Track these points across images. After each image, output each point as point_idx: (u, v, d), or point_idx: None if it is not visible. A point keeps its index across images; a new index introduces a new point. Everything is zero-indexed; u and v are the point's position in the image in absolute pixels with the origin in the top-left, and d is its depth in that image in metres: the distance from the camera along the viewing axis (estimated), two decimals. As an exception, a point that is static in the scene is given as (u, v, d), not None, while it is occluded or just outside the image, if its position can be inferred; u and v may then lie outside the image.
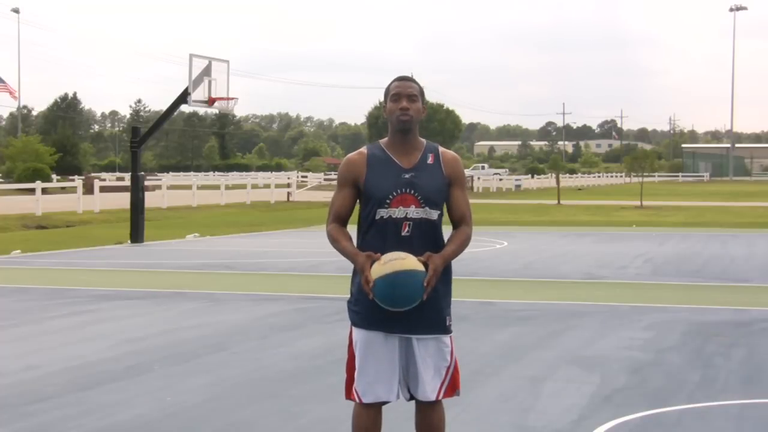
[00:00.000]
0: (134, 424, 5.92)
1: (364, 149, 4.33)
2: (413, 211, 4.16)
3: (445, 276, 4.23)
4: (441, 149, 4.31)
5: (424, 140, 4.31)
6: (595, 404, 6.37)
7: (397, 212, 4.16)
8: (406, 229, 4.15)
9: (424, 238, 4.16)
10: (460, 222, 4.29)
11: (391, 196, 4.17)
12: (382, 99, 4.36)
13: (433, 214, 4.19)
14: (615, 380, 7.09)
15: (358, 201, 4.30)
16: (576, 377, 7.23)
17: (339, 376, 7.01)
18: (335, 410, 6.06)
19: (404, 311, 4.11)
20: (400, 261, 4.02)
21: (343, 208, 4.27)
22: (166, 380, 7.12)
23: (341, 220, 4.28)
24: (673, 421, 6.02)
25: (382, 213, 4.17)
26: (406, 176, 4.19)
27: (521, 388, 6.85)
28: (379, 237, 4.15)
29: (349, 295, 4.34)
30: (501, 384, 6.98)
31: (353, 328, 4.28)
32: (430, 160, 4.25)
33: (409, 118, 4.20)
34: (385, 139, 4.31)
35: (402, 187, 4.18)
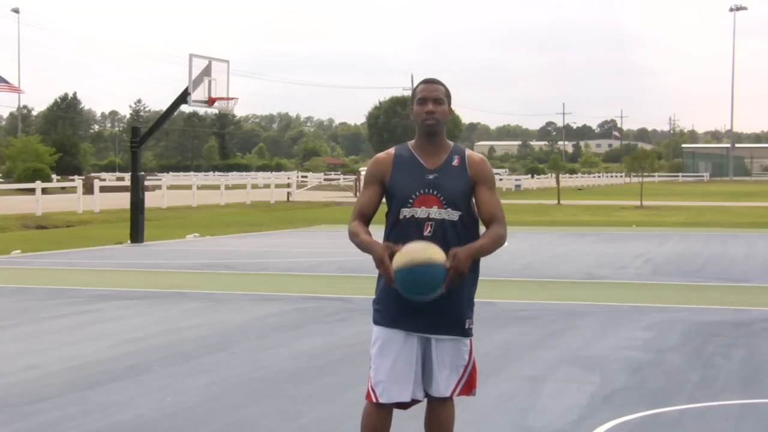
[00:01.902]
0: (134, 424, 5.93)
1: (392, 149, 4.38)
2: (435, 212, 4.19)
3: (467, 277, 4.21)
4: (468, 152, 4.33)
5: (452, 142, 4.34)
6: (595, 404, 6.37)
7: (420, 212, 4.19)
8: (429, 229, 4.17)
9: (446, 239, 4.16)
10: (490, 222, 4.28)
11: (414, 196, 4.20)
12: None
13: (455, 216, 4.20)
14: (615, 380, 7.09)
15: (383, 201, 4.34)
16: (576, 377, 7.24)
17: (339, 376, 7.03)
18: (335, 410, 6.06)
19: (425, 308, 4.14)
20: (418, 252, 4.00)
21: (368, 207, 4.31)
22: (166, 380, 7.12)
23: (364, 219, 4.31)
24: (673, 421, 6.02)
25: (405, 212, 4.21)
26: (430, 177, 4.22)
27: (521, 388, 6.85)
28: (401, 236, 4.16)
29: (374, 296, 4.36)
30: (501, 384, 6.98)
31: (374, 326, 4.30)
32: (455, 162, 4.27)
33: (435, 122, 4.23)
34: (413, 140, 4.35)
35: (425, 187, 4.21)
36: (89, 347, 8.44)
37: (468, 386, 4.30)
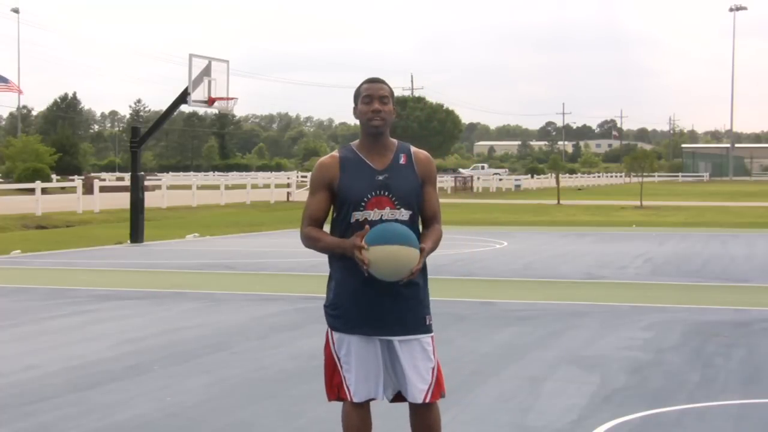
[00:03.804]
0: (134, 424, 5.93)
1: (336, 152, 4.30)
2: (388, 213, 4.15)
3: (421, 275, 4.22)
4: (413, 149, 4.30)
5: (395, 141, 4.30)
6: (595, 404, 6.37)
7: (373, 214, 4.15)
8: None
9: None
10: (431, 220, 4.30)
11: (366, 199, 4.15)
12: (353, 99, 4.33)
13: (407, 215, 4.18)
14: (615, 380, 7.09)
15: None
16: (576, 377, 7.23)
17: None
18: (335, 410, 6.03)
19: (385, 312, 4.13)
20: (401, 262, 3.99)
21: (319, 212, 4.24)
22: (166, 380, 7.12)
23: (317, 225, 4.25)
24: (673, 421, 6.02)
25: (358, 216, 4.15)
26: (380, 178, 4.17)
27: (521, 388, 6.84)
28: None
29: (327, 299, 4.32)
30: (501, 384, 6.98)
31: (333, 332, 4.26)
32: (402, 161, 4.23)
33: (381, 122, 4.18)
34: (357, 141, 4.30)
35: (376, 189, 4.16)
36: (89, 347, 8.44)
37: (437, 389, 4.26)
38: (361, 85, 4.26)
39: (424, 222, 4.30)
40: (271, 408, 6.32)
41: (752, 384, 7.05)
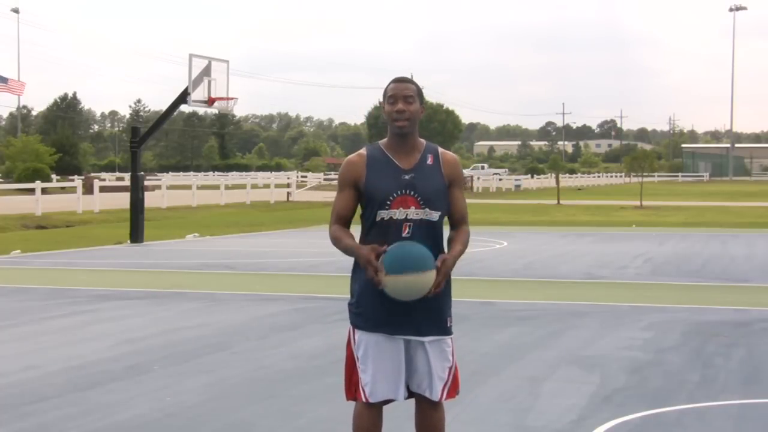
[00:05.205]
0: (134, 424, 5.93)
1: (363, 150, 4.31)
2: (413, 212, 4.16)
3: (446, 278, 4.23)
4: (441, 150, 4.31)
5: (423, 141, 4.30)
6: (595, 404, 6.37)
7: (398, 213, 4.15)
8: (407, 230, 4.14)
9: (424, 239, 4.14)
10: (460, 222, 4.31)
11: (391, 198, 4.16)
12: (381, 99, 4.35)
13: (434, 215, 4.18)
14: (615, 380, 7.09)
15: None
16: (576, 377, 7.23)
17: (339, 377, 6.99)
18: (335, 410, 6.06)
19: (408, 311, 4.14)
20: (416, 286, 4.03)
21: (345, 210, 4.25)
22: (166, 380, 7.12)
23: (344, 222, 4.26)
24: (673, 421, 6.02)
25: (383, 214, 4.16)
26: (406, 177, 4.18)
27: (521, 388, 6.85)
28: (380, 238, 4.14)
29: (349, 296, 4.33)
30: (501, 384, 6.98)
31: (355, 330, 4.27)
32: (429, 161, 4.24)
33: (405, 123, 4.18)
34: (385, 139, 4.30)
35: (402, 188, 4.16)
36: (89, 347, 8.44)
37: (453, 389, 4.29)
38: (388, 84, 4.26)
39: (452, 224, 4.32)
40: (271, 408, 6.32)
41: (752, 384, 7.05)
